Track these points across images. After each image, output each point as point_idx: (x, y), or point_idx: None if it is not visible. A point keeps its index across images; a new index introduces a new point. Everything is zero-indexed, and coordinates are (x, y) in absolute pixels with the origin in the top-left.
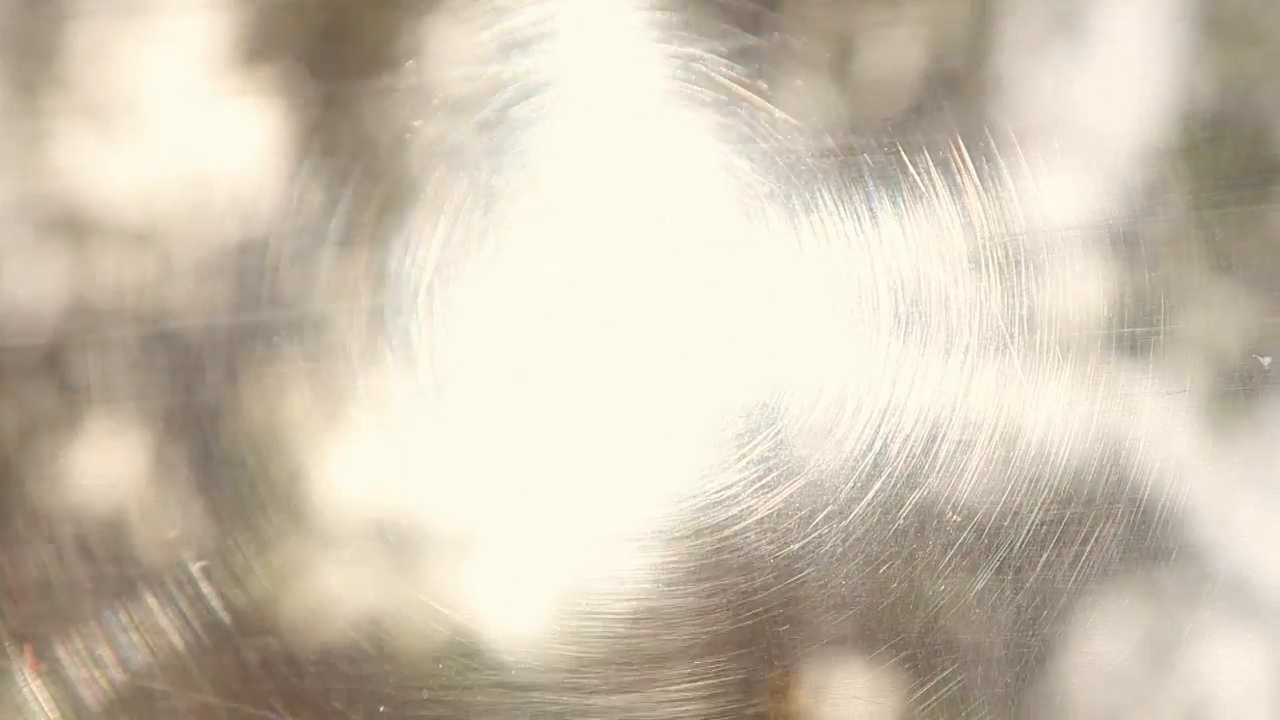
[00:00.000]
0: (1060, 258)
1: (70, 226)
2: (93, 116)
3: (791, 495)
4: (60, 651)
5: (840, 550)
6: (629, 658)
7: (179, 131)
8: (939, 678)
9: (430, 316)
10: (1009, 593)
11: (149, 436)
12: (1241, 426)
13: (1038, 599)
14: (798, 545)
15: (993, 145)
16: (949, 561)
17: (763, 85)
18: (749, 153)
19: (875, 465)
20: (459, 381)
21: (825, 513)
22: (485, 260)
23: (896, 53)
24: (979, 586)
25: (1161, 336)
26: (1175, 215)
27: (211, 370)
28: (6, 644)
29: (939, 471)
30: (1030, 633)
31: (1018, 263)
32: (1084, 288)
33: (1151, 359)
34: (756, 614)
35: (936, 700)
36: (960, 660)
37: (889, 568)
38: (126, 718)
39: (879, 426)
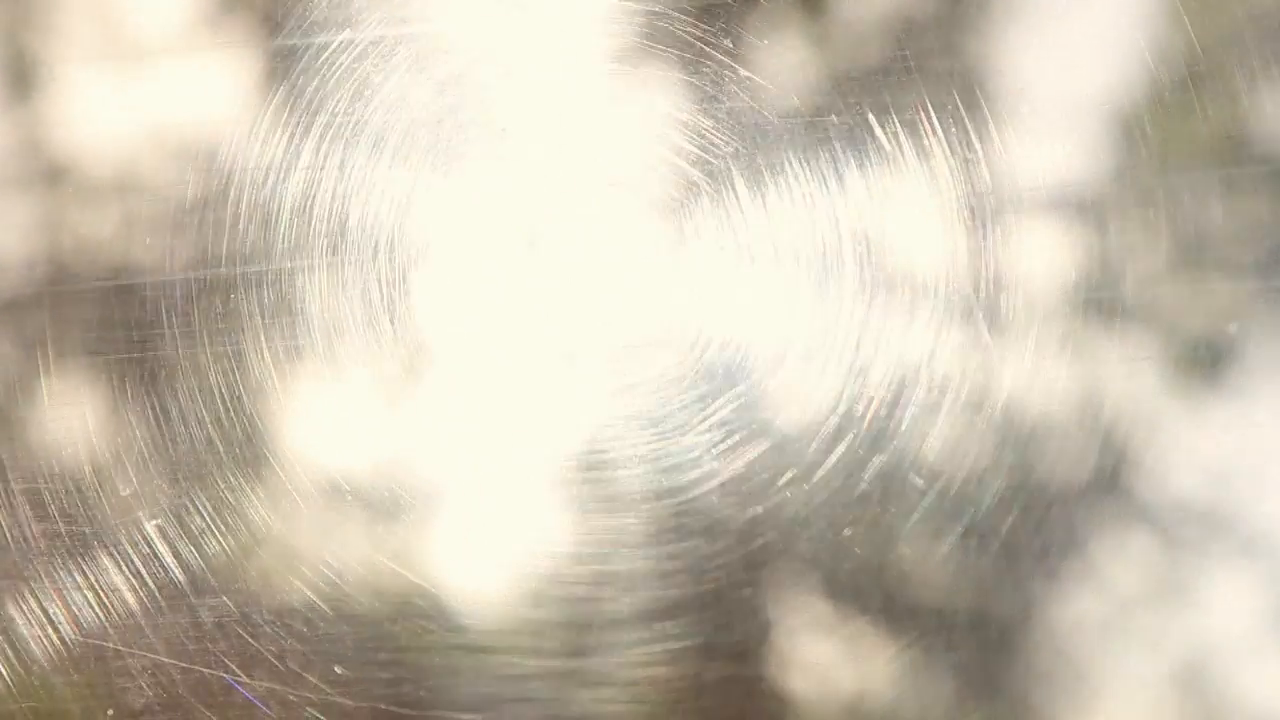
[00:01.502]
0: (1028, 221)
1: (27, 180)
2: (52, 71)
3: (754, 458)
4: (12, 609)
5: (803, 514)
6: (589, 621)
7: (139, 85)
8: (903, 642)
9: (391, 274)
10: (974, 557)
11: (105, 392)
12: (1208, 392)
13: (1003, 563)
14: (760, 509)
15: (960, 108)
16: (914, 526)
17: (728, 43)
18: (713, 111)
19: (839, 428)
20: (419, 340)
21: (788, 476)
22: (446, 217)
23: (865, 12)
24: (944, 551)
25: (1128, 301)
26: (1143, 179)
27: (169, 326)
28: None
29: (904, 435)
30: (995, 597)
31: (984, 226)
32: (1051, 252)
33: (1118, 324)
34: (718, 578)
35: (900, 665)
36: (924, 625)
37: (853, 532)
38: (78, 676)
39: (843, 390)
